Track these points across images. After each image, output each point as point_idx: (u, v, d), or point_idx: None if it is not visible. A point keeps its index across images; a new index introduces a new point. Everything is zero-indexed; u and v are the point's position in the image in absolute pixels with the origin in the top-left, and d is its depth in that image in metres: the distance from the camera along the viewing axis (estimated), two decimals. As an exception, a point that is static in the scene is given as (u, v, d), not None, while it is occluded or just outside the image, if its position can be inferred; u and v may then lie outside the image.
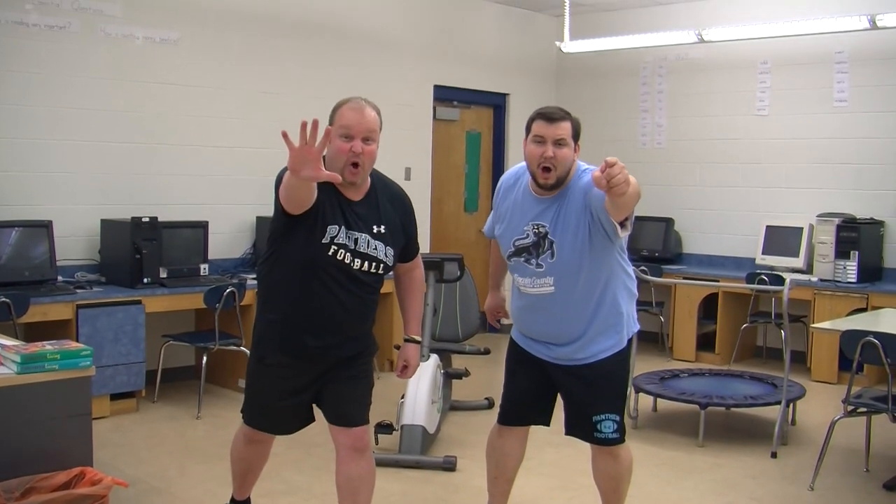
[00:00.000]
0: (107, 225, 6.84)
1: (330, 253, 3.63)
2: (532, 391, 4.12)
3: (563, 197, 3.79)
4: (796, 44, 8.55)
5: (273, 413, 3.99)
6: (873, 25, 7.33)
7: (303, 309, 3.74)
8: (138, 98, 7.15)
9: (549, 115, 3.73)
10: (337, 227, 3.64)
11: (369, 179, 3.82)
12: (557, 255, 3.78)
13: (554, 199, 3.80)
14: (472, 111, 10.10)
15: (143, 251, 6.59)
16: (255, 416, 4.04)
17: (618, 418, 3.94)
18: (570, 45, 8.82)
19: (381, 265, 3.77)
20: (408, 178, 9.15)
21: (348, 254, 3.66)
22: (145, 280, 6.61)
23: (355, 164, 3.64)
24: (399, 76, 9.03)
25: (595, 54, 9.46)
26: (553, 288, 3.83)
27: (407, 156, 9.12)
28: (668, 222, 9.39)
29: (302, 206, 3.52)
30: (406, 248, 3.95)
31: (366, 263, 3.71)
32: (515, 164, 4.07)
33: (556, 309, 3.87)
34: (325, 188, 3.59)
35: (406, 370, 4.13)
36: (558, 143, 3.69)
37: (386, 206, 3.84)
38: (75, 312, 6.17)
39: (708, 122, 9.44)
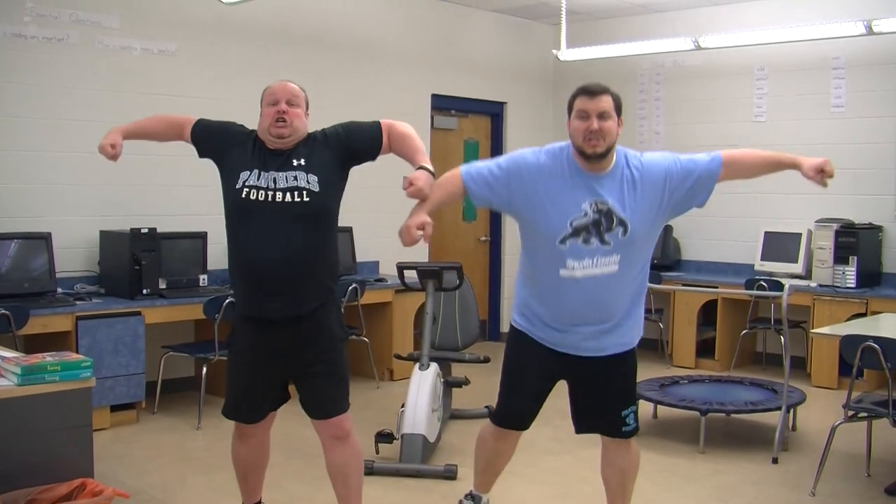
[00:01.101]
0: (106, 236, 6.85)
1: (243, 196, 3.89)
2: (538, 395, 4.06)
3: (620, 172, 3.77)
4: (793, 50, 8.57)
5: (246, 397, 4.09)
6: (869, 31, 7.34)
7: (239, 260, 3.98)
8: (136, 109, 7.12)
9: (590, 90, 3.73)
10: (248, 171, 3.94)
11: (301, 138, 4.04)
12: (631, 231, 3.73)
13: (611, 175, 3.75)
14: (470, 120, 10.12)
15: (142, 262, 6.59)
16: (231, 406, 4.15)
17: (635, 408, 4.02)
18: (566, 53, 8.84)
19: (304, 192, 3.89)
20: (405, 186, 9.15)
21: (263, 192, 3.88)
22: (145, 291, 6.62)
23: (279, 120, 3.95)
24: (397, 85, 9.04)
25: (592, 62, 9.47)
26: (617, 267, 3.76)
27: (405, 165, 9.04)
28: (667, 229, 9.39)
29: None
30: (357, 141, 4.12)
31: (287, 195, 3.87)
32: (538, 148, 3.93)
33: (612, 289, 3.80)
34: (231, 144, 4.09)
35: (412, 186, 3.87)
36: (602, 115, 3.69)
37: (311, 147, 4.02)
38: (75, 324, 6.17)
39: (705, 129, 9.46)
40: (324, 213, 3.98)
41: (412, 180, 3.86)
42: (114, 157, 4.16)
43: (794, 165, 4.01)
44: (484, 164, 3.91)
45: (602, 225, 3.72)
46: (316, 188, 3.90)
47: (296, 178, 3.90)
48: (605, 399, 3.98)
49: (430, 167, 3.95)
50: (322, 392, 4.04)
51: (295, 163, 3.94)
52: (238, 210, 3.93)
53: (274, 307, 3.90)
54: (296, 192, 3.87)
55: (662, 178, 3.81)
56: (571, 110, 3.77)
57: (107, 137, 4.19)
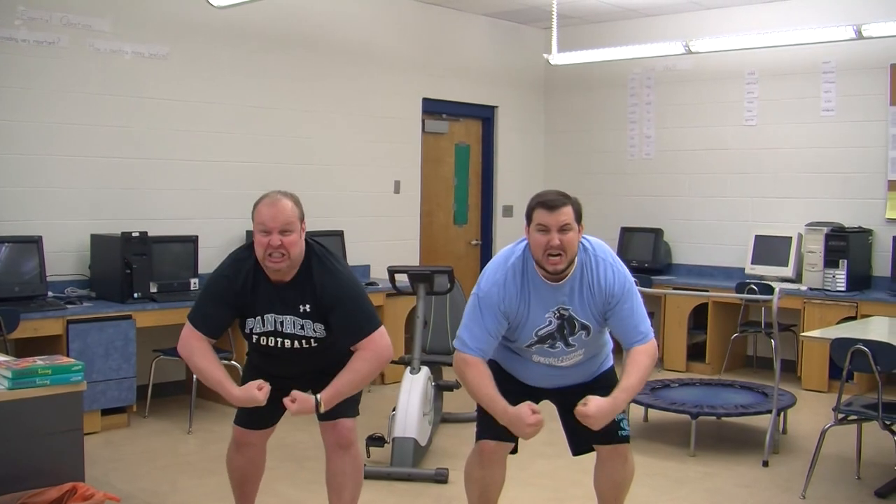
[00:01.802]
0: (97, 240, 6.84)
1: (253, 341, 3.99)
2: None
3: (579, 278, 3.78)
4: (783, 54, 8.60)
5: (263, 408, 4.02)
6: (859, 35, 7.36)
7: (265, 370, 4.07)
8: (128, 113, 7.16)
9: (549, 203, 3.67)
10: (253, 319, 3.94)
11: (304, 261, 3.94)
12: (592, 332, 3.86)
13: (570, 281, 3.77)
14: (461, 124, 10.12)
15: (133, 266, 6.59)
16: (239, 412, 4.16)
17: (625, 416, 4.03)
18: (557, 58, 8.85)
19: (312, 340, 3.96)
20: (397, 191, 9.18)
21: (272, 338, 3.95)
22: (136, 295, 6.61)
23: (274, 254, 3.81)
24: (388, 89, 9.05)
25: (583, 66, 9.49)
26: (582, 356, 3.96)
27: (396, 169, 9.14)
28: (658, 233, 9.41)
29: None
30: (339, 331, 3.94)
31: (295, 342, 3.95)
32: (497, 261, 3.88)
33: (576, 369, 4.00)
34: (256, 278, 3.91)
35: (292, 404, 3.86)
36: (562, 228, 3.65)
37: (317, 284, 3.90)
38: (66, 328, 6.16)
39: (696, 133, 9.48)
40: (331, 346, 3.99)
41: (293, 400, 3.86)
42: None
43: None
44: (480, 332, 3.79)
45: (565, 329, 3.82)
46: (322, 335, 3.96)
47: (303, 327, 3.93)
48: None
49: (322, 405, 3.87)
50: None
51: (301, 309, 3.91)
52: (254, 347, 4.06)
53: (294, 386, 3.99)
54: (303, 341, 3.96)
55: (604, 299, 3.81)
56: (530, 219, 3.74)
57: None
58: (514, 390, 3.93)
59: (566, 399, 3.97)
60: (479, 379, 3.75)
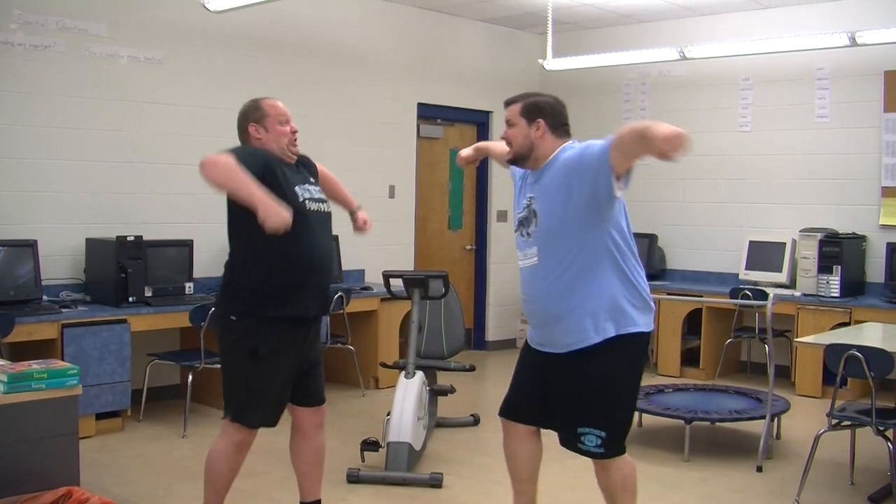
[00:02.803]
0: (92, 244, 6.84)
1: (307, 208, 4.21)
2: (527, 386, 4.12)
3: (546, 169, 3.93)
4: (777, 60, 8.62)
5: (277, 401, 4.29)
6: (853, 42, 7.39)
7: (297, 260, 4.17)
8: (123, 117, 7.16)
9: (505, 102, 4.06)
10: (299, 186, 4.24)
11: None
12: (539, 223, 3.89)
13: (541, 172, 3.96)
14: (456, 129, 10.14)
15: (128, 270, 6.58)
16: (263, 412, 4.24)
17: (603, 434, 3.84)
18: (553, 63, 8.87)
19: (325, 203, 4.41)
20: (392, 195, 9.19)
21: (317, 204, 4.30)
22: (130, 299, 6.61)
23: (293, 140, 4.34)
24: (383, 94, 9.06)
25: (578, 72, 9.50)
26: (537, 259, 3.91)
27: (391, 173, 9.15)
28: (652, 238, 9.43)
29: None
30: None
31: (325, 205, 4.38)
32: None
33: (539, 282, 3.92)
34: (271, 166, 4.14)
35: (367, 225, 4.80)
36: (507, 123, 4.01)
37: (308, 162, 4.57)
38: (60, 332, 6.16)
39: (690, 139, 9.47)
40: (330, 220, 4.45)
41: (366, 221, 4.79)
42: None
43: (644, 134, 3.63)
44: None
45: (528, 219, 3.96)
46: (325, 198, 4.45)
47: (319, 191, 4.40)
48: (563, 409, 3.97)
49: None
50: (320, 380, 4.48)
51: (312, 179, 4.42)
52: (299, 219, 4.04)
53: (314, 306, 4.27)
54: (322, 203, 4.36)
55: (564, 172, 3.84)
56: None
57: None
58: (528, 361, 4.14)
59: (555, 385, 3.97)
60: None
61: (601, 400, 3.88)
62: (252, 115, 4.34)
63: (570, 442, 3.95)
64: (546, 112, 3.96)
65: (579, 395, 3.89)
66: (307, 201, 4.22)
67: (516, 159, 4.02)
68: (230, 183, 3.90)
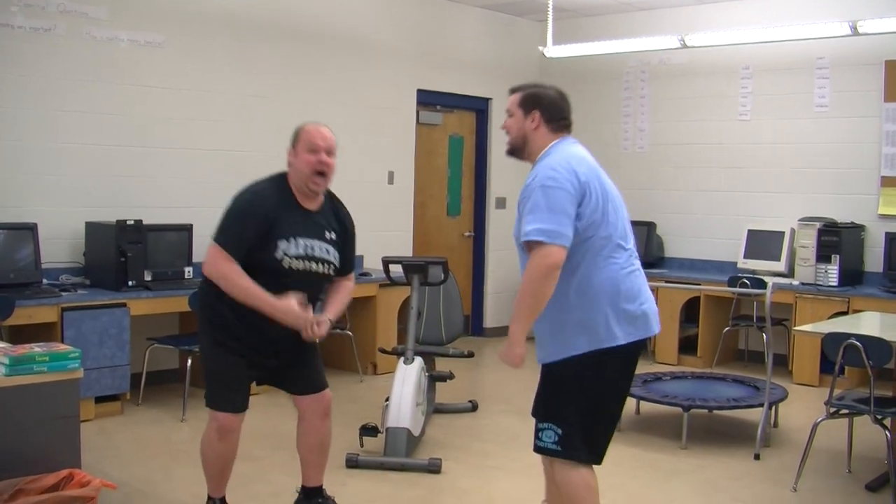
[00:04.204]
0: (92, 227, 6.83)
1: (285, 266, 4.08)
2: None
3: (534, 167, 3.73)
4: (778, 49, 8.62)
5: (240, 384, 4.25)
6: (854, 31, 7.40)
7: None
8: (123, 101, 7.15)
9: (510, 90, 3.93)
10: (286, 240, 4.08)
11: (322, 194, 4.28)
12: (514, 228, 3.73)
13: (532, 170, 3.74)
14: (455, 115, 10.13)
15: (127, 254, 6.59)
16: (224, 395, 4.22)
17: (560, 430, 3.64)
18: (553, 50, 8.86)
19: (332, 266, 4.26)
20: (391, 181, 9.18)
21: (304, 262, 4.12)
22: (130, 283, 6.62)
23: (321, 174, 4.13)
24: (383, 80, 9.05)
25: (578, 59, 9.50)
26: (521, 266, 3.69)
27: (390, 160, 9.15)
28: (650, 226, 9.44)
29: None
30: (342, 262, 4.33)
31: (320, 265, 4.19)
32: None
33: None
34: (284, 202, 4.12)
35: (317, 328, 4.12)
36: (507, 112, 3.88)
37: (338, 217, 4.34)
38: (60, 315, 6.16)
39: (690, 127, 9.50)
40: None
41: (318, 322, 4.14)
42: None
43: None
44: (562, 214, 3.53)
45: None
46: (337, 263, 4.30)
47: (328, 251, 4.23)
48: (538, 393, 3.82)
49: (332, 318, 4.27)
50: (317, 367, 4.43)
51: (327, 235, 4.23)
52: (274, 272, 4.08)
53: (279, 339, 4.24)
54: (327, 265, 4.24)
55: (529, 181, 3.65)
56: None
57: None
58: None
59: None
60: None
61: (559, 392, 3.71)
62: (293, 137, 4.24)
63: (534, 436, 3.76)
64: (543, 104, 3.78)
65: (543, 386, 3.77)
66: (289, 259, 4.07)
67: (512, 151, 3.87)
68: (247, 301, 4.01)
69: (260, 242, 4.04)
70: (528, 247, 3.51)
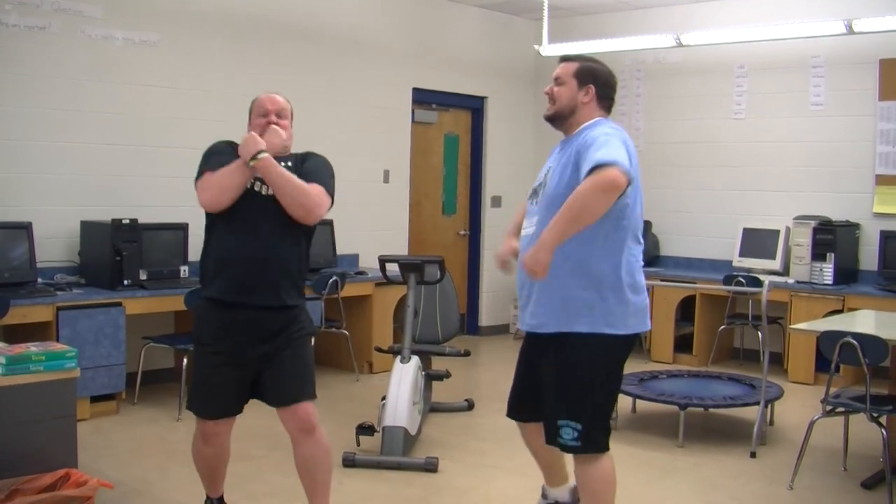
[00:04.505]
0: (87, 226, 6.82)
1: (255, 188, 4.05)
2: (521, 381, 4.09)
3: (575, 138, 3.81)
4: (773, 48, 8.63)
5: (213, 391, 4.10)
6: (850, 30, 7.41)
7: (229, 243, 4.05)
8: (118, 99, 7.14)
9: (561, 58, 4.02)
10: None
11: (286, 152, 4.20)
12: (545, 190, 3.81)
13: (570, 140, 3.85)
14: (451, 114, 10.13)
15: (123, 253, 6.57)
16: (198, 401, 4.17)
17: (580, 426, 3.74)
18: (548, 49, 8.86)
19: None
20: (386, 180, 9.18)
21: (257, 182, 4.05)
22: (125, 282, 6.60)
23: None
24: (378, 79, 9.04)
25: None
26: (534, 228, 3.78)
27: (385, 158, 9.14)
28: (647, 225, 9.43)
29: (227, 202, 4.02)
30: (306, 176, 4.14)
31: (268, 189, 4.04)
32: None
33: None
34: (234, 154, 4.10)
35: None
36: (556, 80, 3.93)
37: (299, 156, 4.25)
38: (55, 314, 6.15)
39: (685, 126, 9.51)
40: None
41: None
42: None
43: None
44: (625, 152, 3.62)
45: (540, 187, 3.88)
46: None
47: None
48: (546, 391, 3.87)
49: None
50: (289, 375, 4.07)
51: (282, 164, 4.06)
52: (240, 200, 4.04)
53: (249, 297, 4.02)
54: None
55: (577, 149, 3.69)
56: None
57: None
58: (521, 358, 4.10)
59: (542, 369, 3.90)
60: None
61: (570, 385, 3.78)
62: (249, 111, 4.31)
63: (548, 430, 3.86)
64: (599, 80, 3.92)
65: (555, 380, 3.81)
66: (259, 183, 4.06)
67: (555, 118, 3.92)
68: (223, 184, 4.00)
69: None
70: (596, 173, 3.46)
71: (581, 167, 3.56)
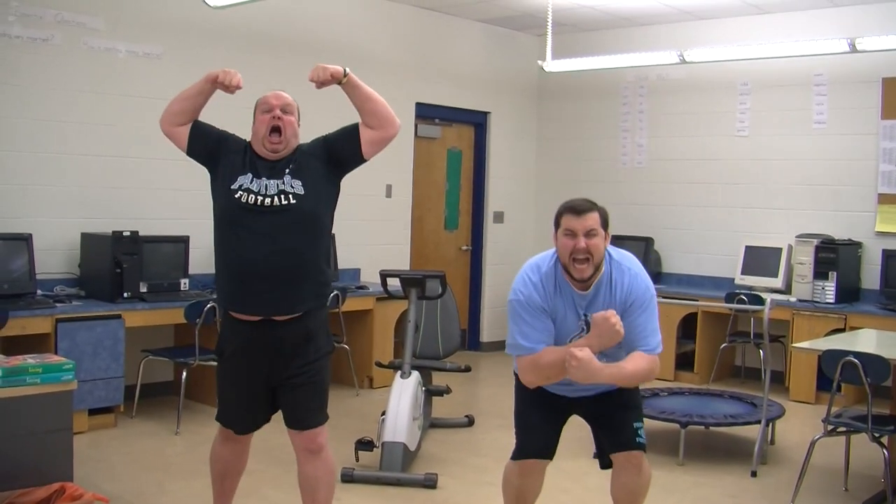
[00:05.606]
0: (87, 238, 6.81)
1: (236, 197, 3.95)
2: (551, 422, 4.11)
3: (605, 284, 3.83)
4: (776, 65, 8.63)
5: (236, 405, 4.12)
6: (853, 48, 7.39)
7: (229, 260, 3.99)
8: (120, 112, 7.14)
9: (576, 209, 3.80)
10: (243, 175, 4.02)
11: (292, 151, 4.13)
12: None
13: (596, 287, 3.83)
14: (454, 129, 10.13)
15: (123, 265, 6.56)
16: (223, 412, 4.17)
17: (642, 425, 4.03)
18: (551, 65, 8.86)
19: (290, 195, 3.98)
20: (388, 195, 9.17)
21: (254, 196, 3.94)
22: (125, 294, 6.59)
23: (276, 129, 4.06)
24: (381, 93, 8.90)
25: (577, 74, 9.51)
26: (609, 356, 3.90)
27: (388, 173, 9.13)
28: (648, 242, 9.42)
29: (185, 118, 4.29)
30: (337, 140, 4.30)
31: (274, 199, 3.95)
32: (530, 265, 3.94)
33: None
34: (226, 146, 4.18)
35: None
36: (589, 233, 3.75)
37: (300, 158, 4.11)
38: (54, 326, 6.13)
39: (688, 143, 9.50)
40: (308, 217, 4.02)
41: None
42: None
43: None
44: (533, 330, 3.82)
45: (586, 331, 3.84)
46: (301, 191, 3.99)
47: (283, 182, 4.00)
48: (615, 418, 4.01)
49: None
50: (302, 403, 4.06)
51: (286, 170, 4.03)
52: (230, 211, 3.98)
53: (259, 308, 3.95)
54: (282, 196, 3.97)
55: (623, 306, 3.82)
56: (558, 225, 3.84)
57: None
58: (543, 402, 4.04)
59: (593, 409, 4.06)
60: (551, 356, 3.76)
61: (633, 397, 4.07)
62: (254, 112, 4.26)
63: (627, 441, 3.96)
64: (608, 220, 3.92)
65: (623, 395, 4.00)
66: (245, 193, 3.95)
67: (592, 276, 3.80)
68: (181, 99, 4.36)
69: (218, 173, 4.11)
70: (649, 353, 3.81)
71: (636, 334, 3.80)
